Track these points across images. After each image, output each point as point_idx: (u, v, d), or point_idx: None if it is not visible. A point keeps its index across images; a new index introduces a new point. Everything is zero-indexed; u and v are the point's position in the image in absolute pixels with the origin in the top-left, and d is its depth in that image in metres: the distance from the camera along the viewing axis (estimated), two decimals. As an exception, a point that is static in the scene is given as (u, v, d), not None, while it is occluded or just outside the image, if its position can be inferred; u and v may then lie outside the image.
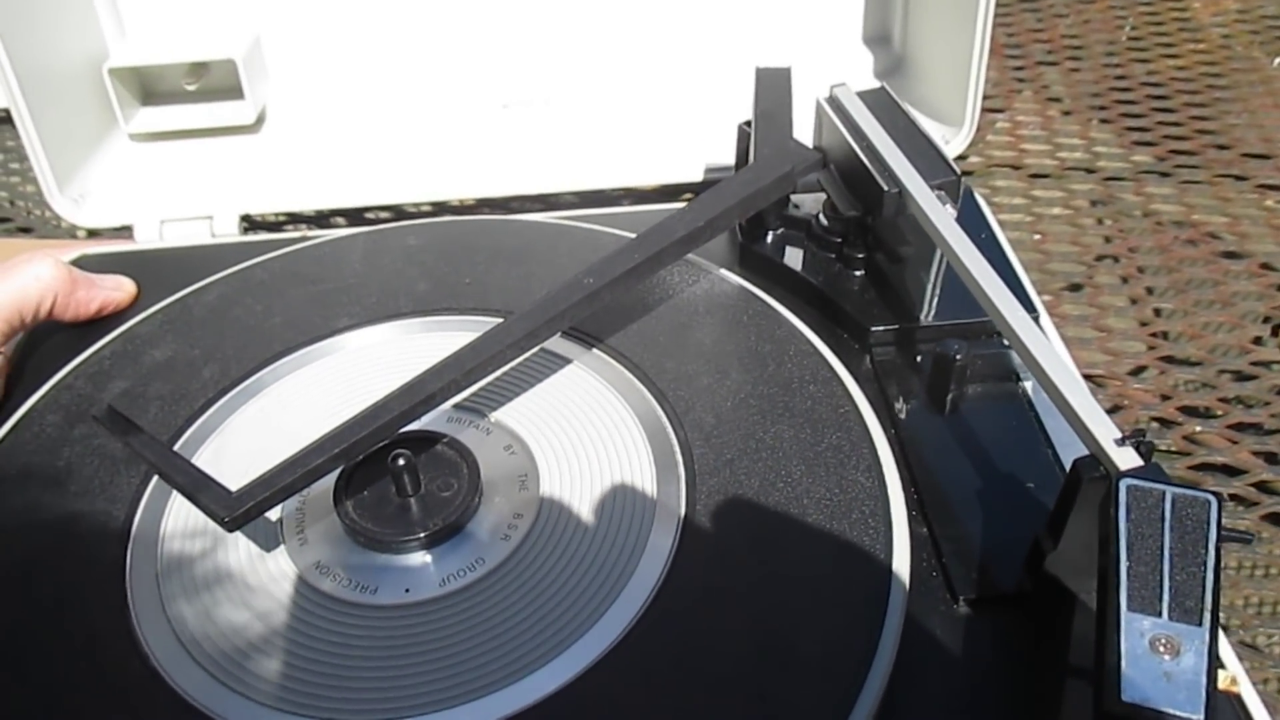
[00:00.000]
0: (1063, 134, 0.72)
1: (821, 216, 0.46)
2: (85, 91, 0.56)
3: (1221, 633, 0.28)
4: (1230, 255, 0.61)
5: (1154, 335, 0.56)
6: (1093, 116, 0.74)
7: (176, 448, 0.39)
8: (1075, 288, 0.60)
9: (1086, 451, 0.32)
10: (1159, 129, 0.72)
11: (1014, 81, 0.77)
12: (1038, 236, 0.63)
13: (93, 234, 0.59)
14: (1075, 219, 0.65)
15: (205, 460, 0.39)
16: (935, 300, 0.44)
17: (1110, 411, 0.33)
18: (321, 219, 0.64)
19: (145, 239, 0.55)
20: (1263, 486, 0.48)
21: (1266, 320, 0.57)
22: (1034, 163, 0.70)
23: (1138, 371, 0.55)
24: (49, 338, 0.46)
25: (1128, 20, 0.84)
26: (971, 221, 0.46)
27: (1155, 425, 0.52)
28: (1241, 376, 0.54)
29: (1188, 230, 0.63)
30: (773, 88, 0.45)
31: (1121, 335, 0.56)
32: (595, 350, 0.42)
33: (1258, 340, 0.56)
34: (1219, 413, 0.52)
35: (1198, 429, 0.51)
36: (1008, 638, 0.33)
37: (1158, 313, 0.58)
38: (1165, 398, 0.53)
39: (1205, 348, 0.56)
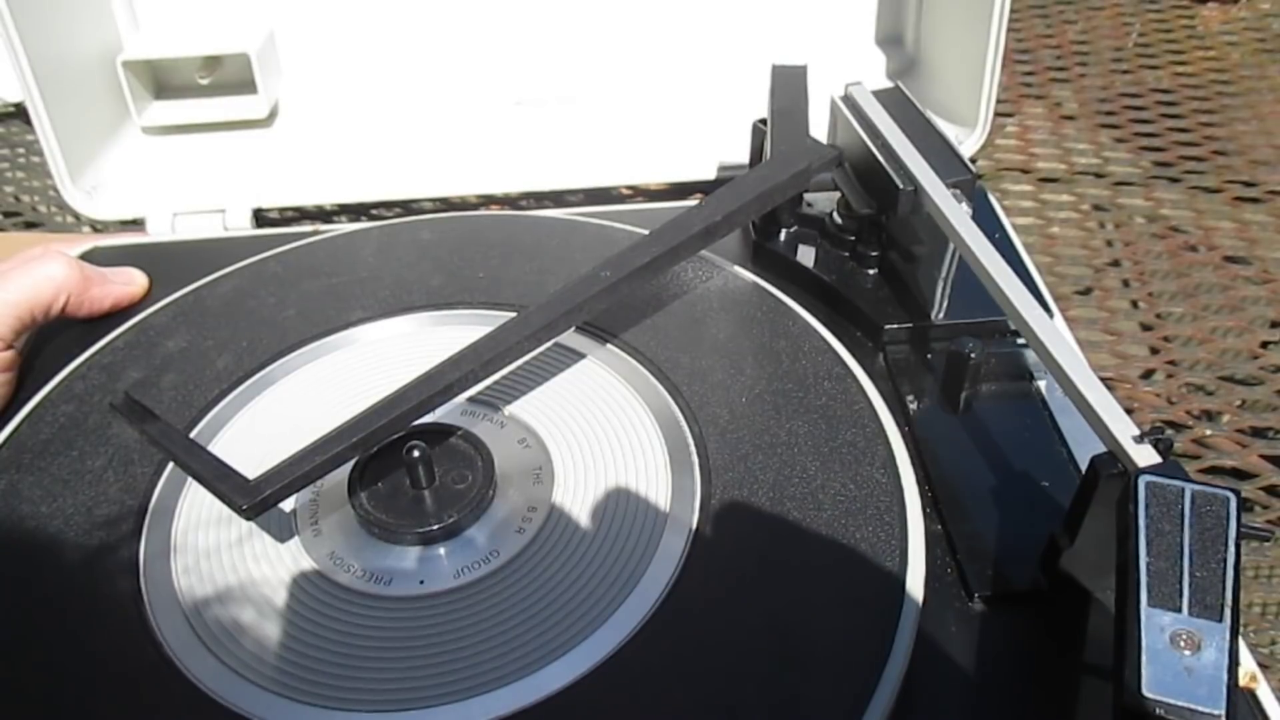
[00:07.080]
0: (1072, 139, 0.72)
1: (835, 215, 0.46)
2: (99, 84, 0.56)
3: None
4: (1239, 260, 0.62)
5: (1163, 339, 0.57)
6: (1102, 122, 0.74)
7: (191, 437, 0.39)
8: (1085, 291, 0.60)
9: (1102, 450, 0.32)
10: (1168, 135, 0.72)
11: (1023, 86, 0.77)
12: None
13: (97, 229, 0.59)
14: (1084, 223, 0.65)
15: (218, 451, 0.38)
16: (947, 299, 0.44)
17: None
18: (331, 215, 0.64)
19: (157, 231, 0.55)
20: (1273, 490, 0.48)
21: (1275, 325, 0.57)
22: (1043, 167, 0.70)
23: (1147, 375, 0.55)
24: (61, 331, 0.45)
25: (1135, 26, 0.84)
26: (985, 221, 0.46)
27: (1166, 429, 0.51)
28: (1250, 381, 0.54)
29: (1196, 235, 0.63)
30: (789, 85, 0.46)
31: (1130, 339, 0.57)
32: (609, 345, 0.42)
33: (1265, 345, 0.56)
34: (1228, 417, 0.52)
35: (1207, 433, 0.51)
36: (1022, 635, 0.33)
37: (1166, 317, 0.58)
38: (1174, 401, 0.53)
39: (1214, 352, 0.56)
